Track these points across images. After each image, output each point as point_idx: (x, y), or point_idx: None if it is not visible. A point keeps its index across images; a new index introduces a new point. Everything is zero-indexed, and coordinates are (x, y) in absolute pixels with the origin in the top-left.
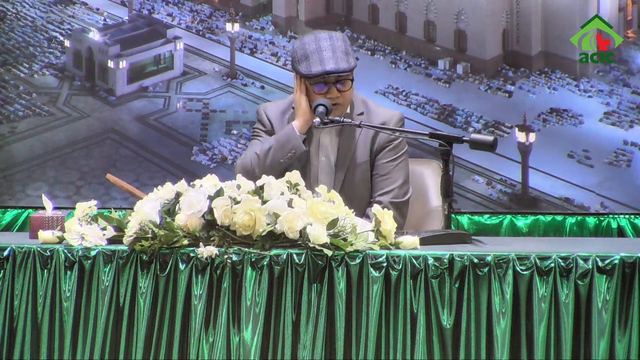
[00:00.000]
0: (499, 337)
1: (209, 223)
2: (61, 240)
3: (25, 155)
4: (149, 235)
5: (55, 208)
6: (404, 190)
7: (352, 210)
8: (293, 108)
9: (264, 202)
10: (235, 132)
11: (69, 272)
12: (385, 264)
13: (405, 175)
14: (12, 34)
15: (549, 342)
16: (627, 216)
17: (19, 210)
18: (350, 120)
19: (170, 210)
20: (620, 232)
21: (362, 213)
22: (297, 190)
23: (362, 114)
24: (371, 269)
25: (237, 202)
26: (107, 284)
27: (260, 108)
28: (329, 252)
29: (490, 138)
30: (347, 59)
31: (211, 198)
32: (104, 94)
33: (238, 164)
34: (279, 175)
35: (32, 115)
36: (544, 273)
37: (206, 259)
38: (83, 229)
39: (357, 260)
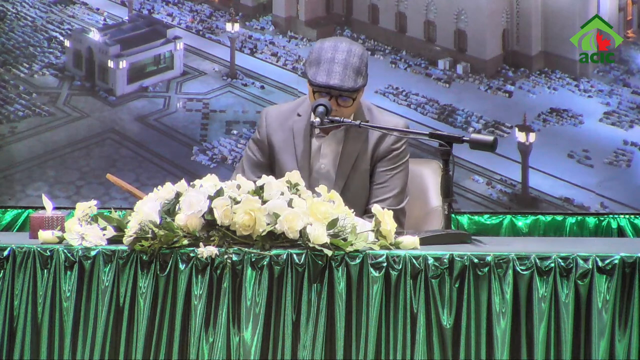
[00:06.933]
0: (499, 337)
1: (209, 223)
2: (61, 240)
3: (25, 155)
4: (149, 235)
5: (55, 208)
6: (399, 198)
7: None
8: (298, 115)
9: (264, 202)
10: (235, 132)
11: (69, 272)
12: (385, 264)
13: (403, 185)
14: (12, 34)
15: (549, 342)
16: (627, 216)
17: (19, 210)
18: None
19: (170, 210)
20: (620, 232)
21: None
22: (297, 190)
23: (366, 122)
24: (371, 269)
25: (237, 202)
26: (107, 284)
27: (262, 113)
28: (329, 252)
29: (490, 138)
30: (355, 78)
31: (211, 198)
32: (104, 94)
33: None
34: None
35: (32, 115)
36: (544, 273)
37: (206, 259)
38: (83, 229)
39: (357, 260)
